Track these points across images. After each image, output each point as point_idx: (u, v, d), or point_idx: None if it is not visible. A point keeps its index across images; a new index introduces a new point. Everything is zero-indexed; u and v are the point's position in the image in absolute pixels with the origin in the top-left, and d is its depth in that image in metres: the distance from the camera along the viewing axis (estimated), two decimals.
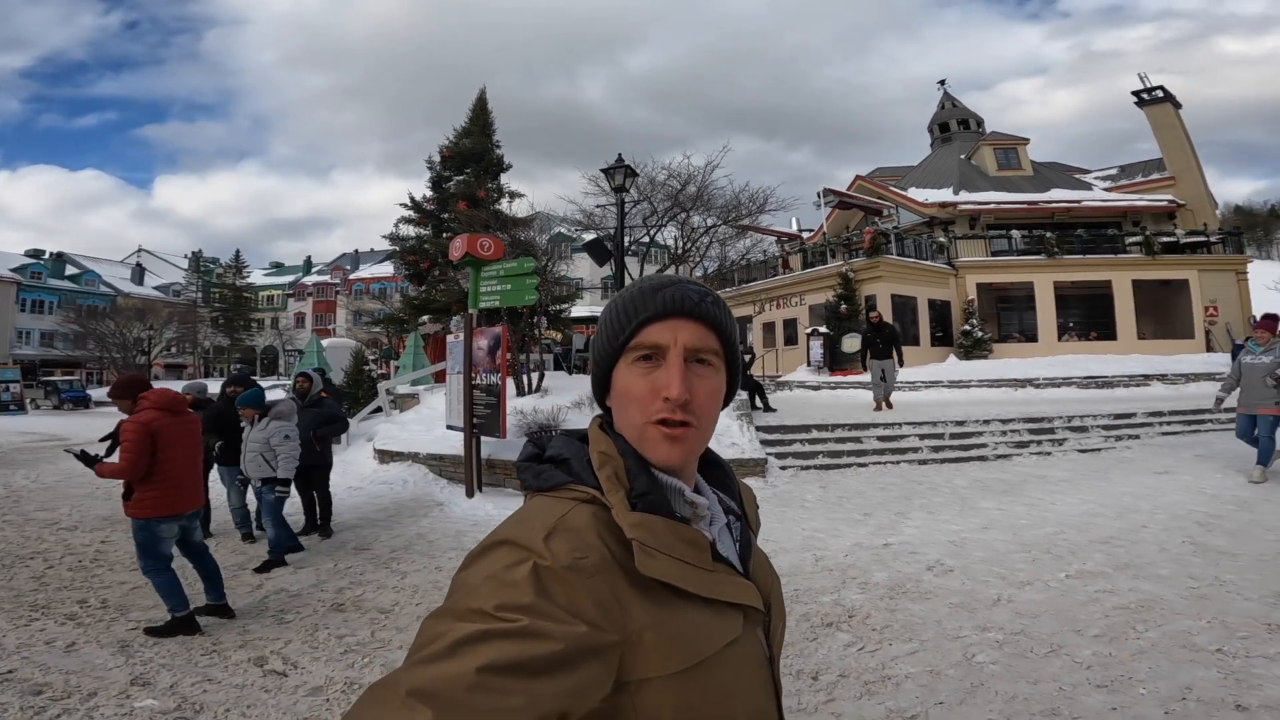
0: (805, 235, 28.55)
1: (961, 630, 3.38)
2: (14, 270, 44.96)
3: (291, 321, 57.82)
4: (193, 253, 59.77)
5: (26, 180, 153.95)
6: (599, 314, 0.61)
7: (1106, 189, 24.79)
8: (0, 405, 24.66)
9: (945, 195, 23.15)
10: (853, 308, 19.35)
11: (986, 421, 9.73)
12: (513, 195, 16.87)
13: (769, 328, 25.36)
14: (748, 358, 13.94)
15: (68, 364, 42.19)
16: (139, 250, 62.36)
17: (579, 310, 21.36)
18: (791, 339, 23.56)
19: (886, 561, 4.61)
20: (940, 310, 20.86)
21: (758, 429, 9.27)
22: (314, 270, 62.65)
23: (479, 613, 0.54)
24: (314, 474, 5.96)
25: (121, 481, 3.89)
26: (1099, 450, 8.91)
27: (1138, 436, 9.48)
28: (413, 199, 16.90)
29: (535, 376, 13.06)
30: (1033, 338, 20.66)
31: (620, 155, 9.61)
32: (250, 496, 5.72)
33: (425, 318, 15.50)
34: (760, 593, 0.74)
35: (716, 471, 0.82)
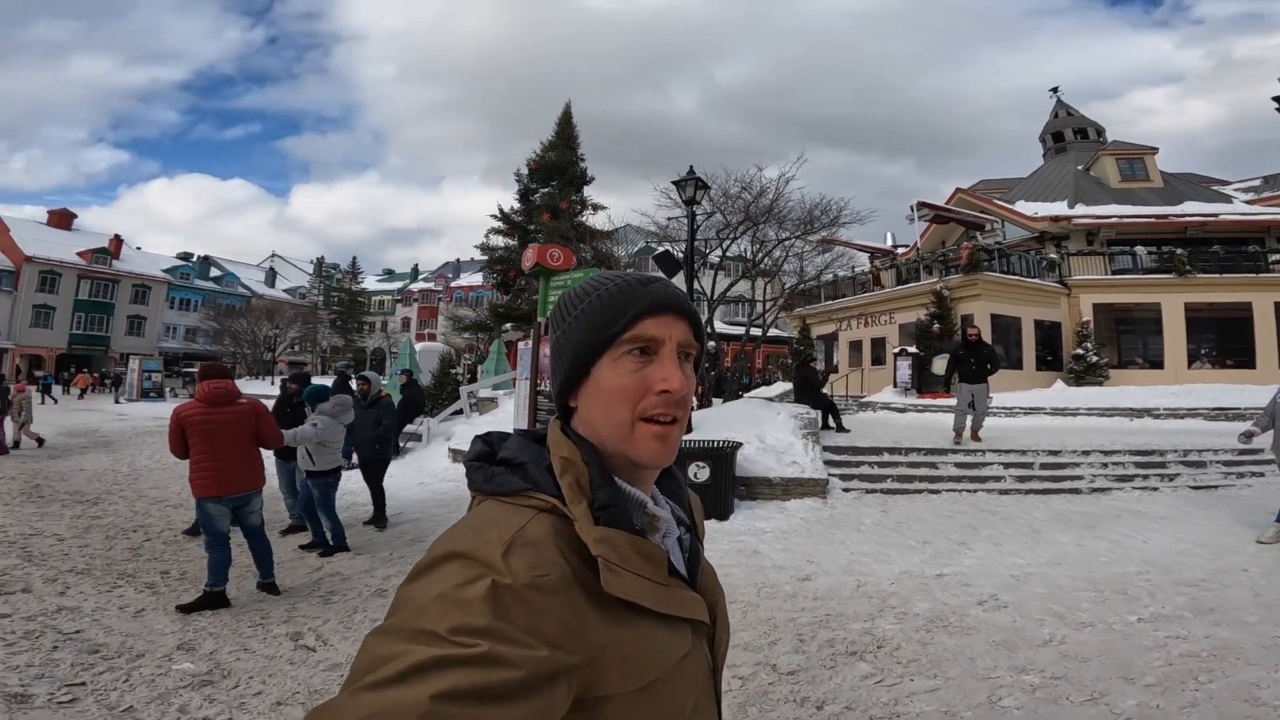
0: (900, 251, 27.33)
1: (995, 670, 3.07)
2: (166, 271, 50.97)
3: (398, 325, 61.89)
4: (316, 259, 65.43)
5: (183, 187, 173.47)
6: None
7: (1248, 201, 22.07)
8: (144, 392, 27.94)
9: (1058, 208, 21.42)
10: (946, 327, 18.31)
11: (1086, 452, 8.84)
12: (595, 207, 17.28)
13: (855, 346, 24.43)
14: (822, 374, 13.36)
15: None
16: (272, 255, 68.98)
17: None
18: (879, 359, 22.60)
19: (933, 592, 4.28)
20: (1048, 332, 19.28)
21: (825, 449, 8.93)
22: (420, 277, 66.80)
23: (431, 635, 0.50)
24: (370, 469, 6.31)
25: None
26: (1215, 488, 7.94)
27: (1263, 474, 8.30)
28: (501, 210, 17.73)
29: None
30: (1158, 364, 18.65)
31: (691, 168, 9.61)
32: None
33: (509, 325, 16.13)
34: (706, 605, 0.71)
35: (669, 481, 0.80)
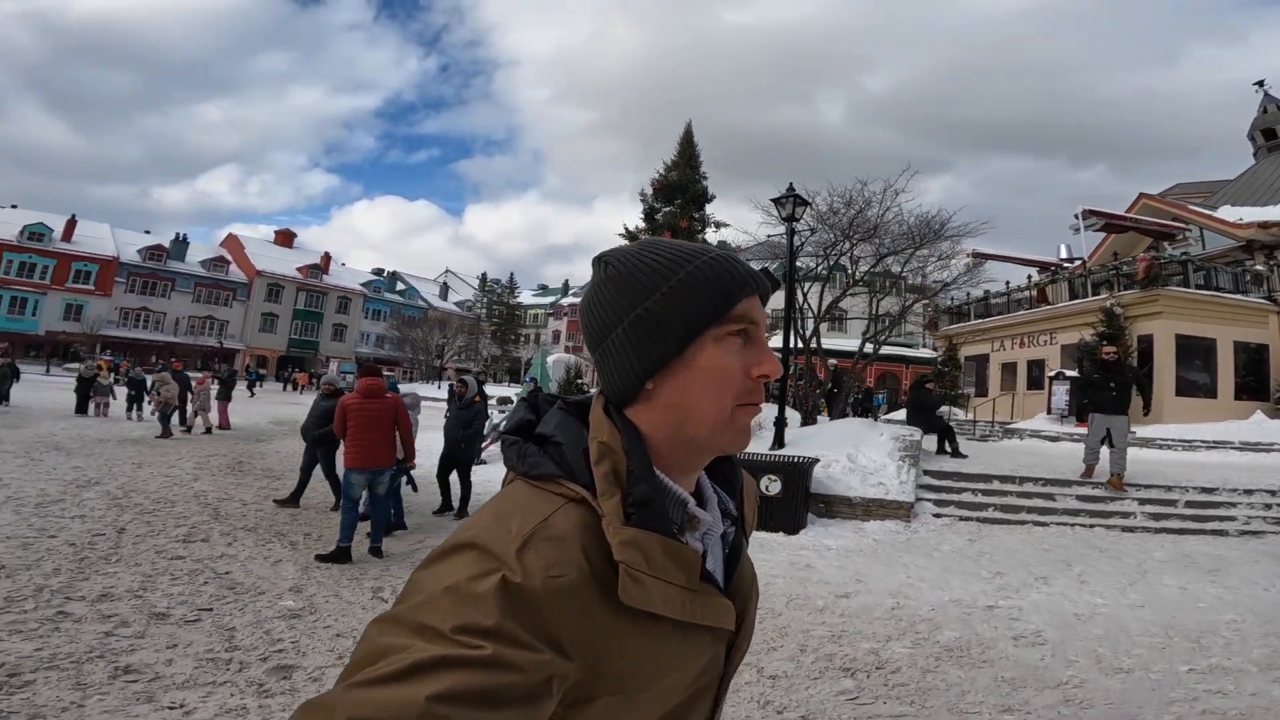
0: (1070, 265, 24.46)
1: (978, 706, 2.96)
2: (363, 285, 59.00)
3: (549, 338, 66.24)
4: (481, 275, 72.10)
5: (380, 208, 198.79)
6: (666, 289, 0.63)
7: None
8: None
9: (1270, 213, 18.07)
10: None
11: (1249, 491, 7.56)
12: (718, 225, 17.56)
13: (1008, 369, 22.27)
14: (938, 397, 12.45)
15: (390, 362, 53.97)
16: (445, 271, 77.12)
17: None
18: (1037, 382, 20.43)
19: (972, 622, 4.09)
20: (1253, 356, 16.30)
21: (927, 473, 8.49)
22: (570, 292, 71.01)
23: (435, 632, 0.48)
24: (459, 464, 7.09)
25: None
26: None
27: None
28: (626, 229, 18.60)
29: None
30: None
31: (791, 185, 9.60)
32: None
33: None
34: (736, 609, 0.67)
35: (724, 465, 0.74)
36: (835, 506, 7.23)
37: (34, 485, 7.03)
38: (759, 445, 8.97)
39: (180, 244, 48.77)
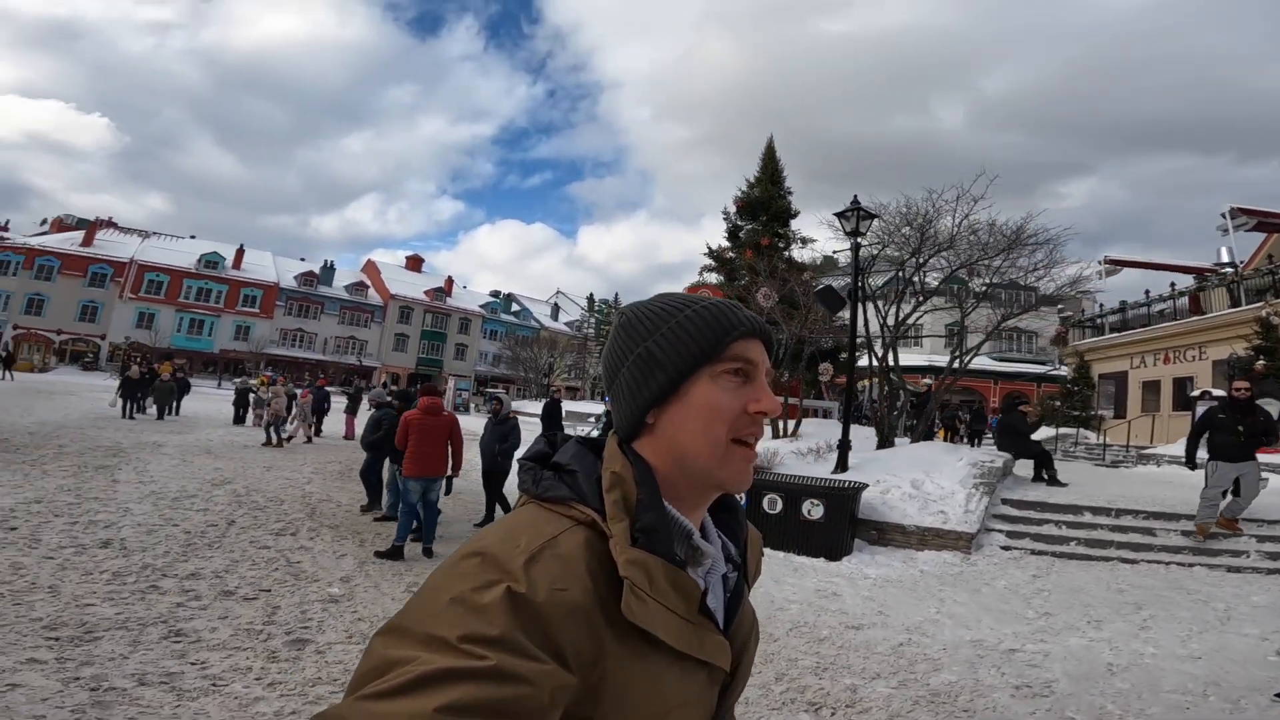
0: (1229, 270, 21.47)
1: None
2: (481, 306, 63.08)
3: None
4: (589, 295, 74.72)
5: (501, 232, 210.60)
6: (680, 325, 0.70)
7: None
8: (455, 406, 35.10)
9: None
10: (1253, 381, 14.16)
11: None
12: (804, 241, 17.21)
13: (1150, 387, 19.93)
14: (1034, 421, 11.39)
15: (504, 380, 57.16)
16: (557, 292, 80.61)
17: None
18: (1185, 403, 18.16)
19: (979, 667, 3.83)
20: None
21: (1006, 502, 7.89)
22: None
23: (442, 642, 0.48)
24: (493, 478, 7.39)
25: None
26: None
27: None
28: (709, 248, 18.70)
29: (793, 422, 13.22)
30: None
31: (855, 197, 9.32)
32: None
33: None
34: (733, 652, 0.69)
35: (727, 515, 0.77)
36: (888, 534, 6.92)
37: (177, 482, 8.33)
38: (821, 469, 8.75)
39: (328, 270, 54.83)
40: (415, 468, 5.91)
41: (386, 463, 7.48)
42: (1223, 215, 18.30)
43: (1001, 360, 40.51)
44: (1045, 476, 9.34)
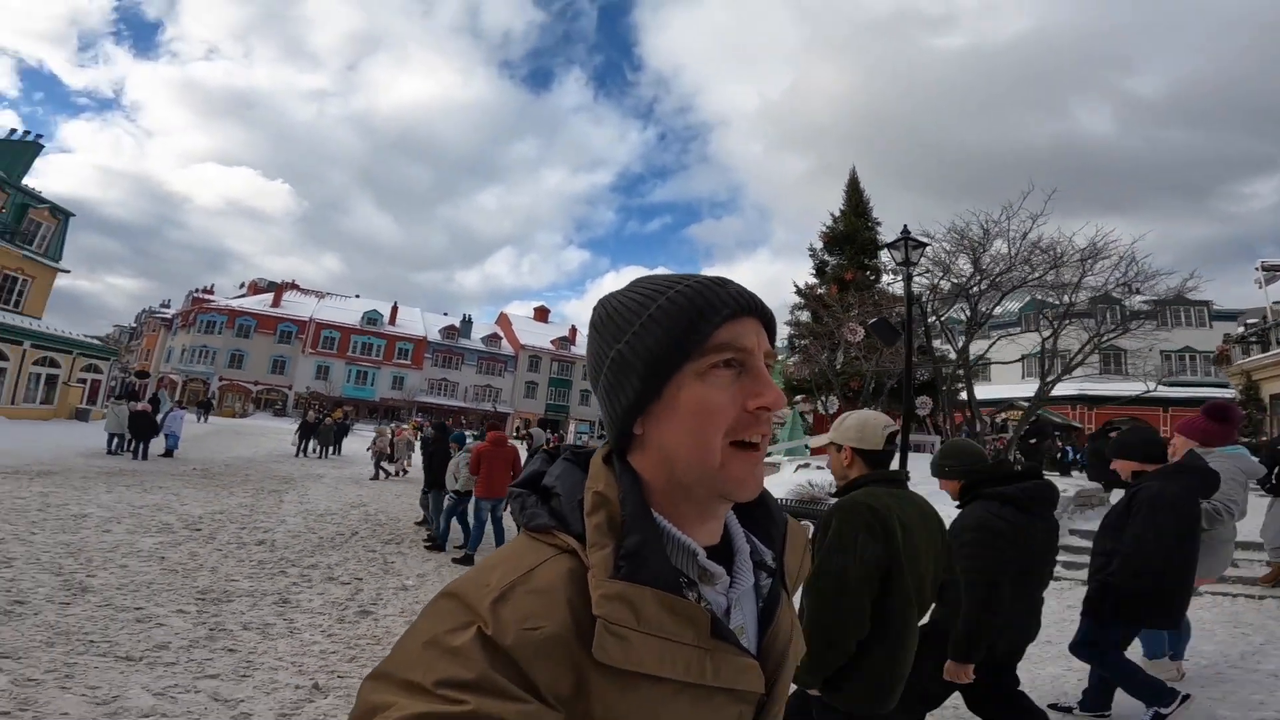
0: None
1: None
2: None
3: None
4: None
5: (625, 278, 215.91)
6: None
7: None
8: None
9: None
10: None
11: None
12: (894, 272, 17.04)
13: None
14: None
15: None
16: None
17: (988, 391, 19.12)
18: None
19: None
20: None
21: (1072, 532, 7.65)
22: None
23: (419, 689, 0.47)
24: None
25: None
26: None
27: None
28: (796, 286, 18.92)
29: None
30: None
31: (905, 227, 9.52)
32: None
33: (799, 396, 17.09)
34: (767, 671, 0.62)
35: (760, 511, 0.69)
36: None
37: (325, 503, 10.27)
38: None
39: (467, 324, 60.62)
40: (485, 490, 7.13)
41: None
42: (1256, 268, 16.04)
43: (1174, 385, 35.88)
44: None
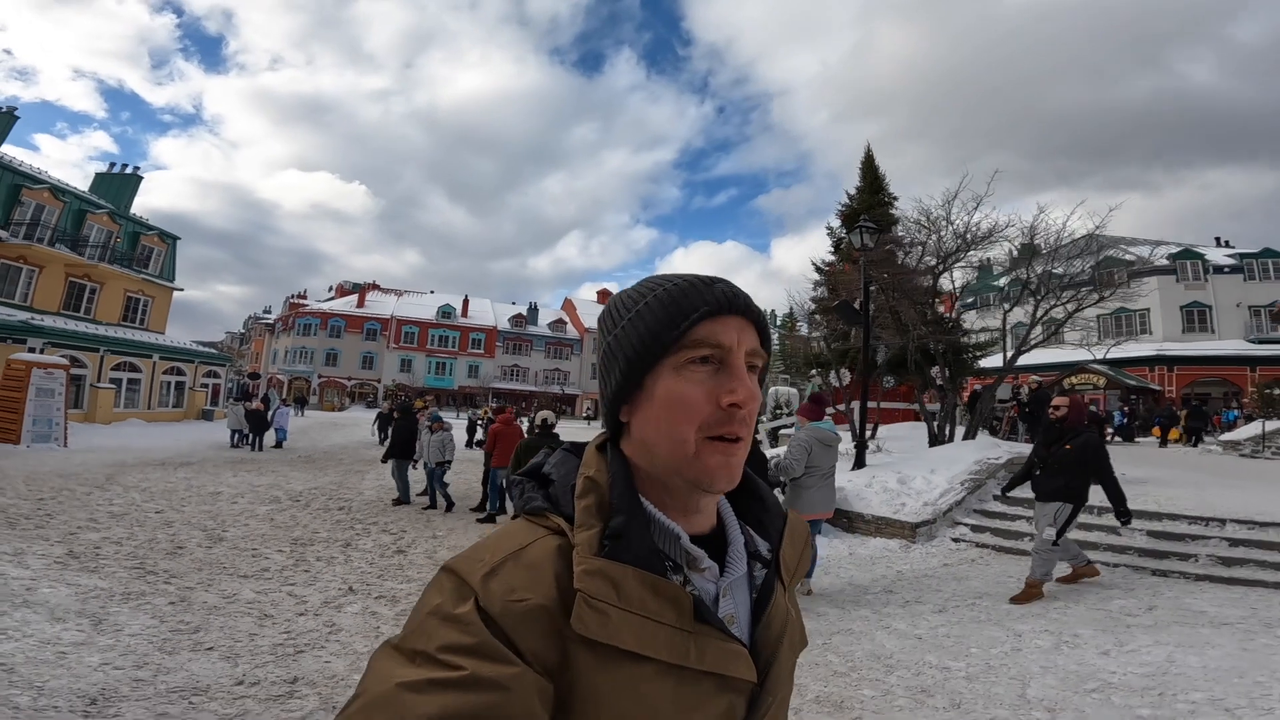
0: None
1: None
2: None
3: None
4: (770, 311, 75.75)
5: (694, 254, 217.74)
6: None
7: None
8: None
9: None
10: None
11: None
12: (907, 248, 17.62)
13: None
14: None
15: None
16: None
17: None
18: None
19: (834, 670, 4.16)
20: None
21: (997, 498, 8.62)
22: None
23: (421, 655, 0.51)
24: None
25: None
26: None
27: None
28: (813, 264, 19.65)
29: (870, 426, 14.22)
30: None
31: (863, 217, 10.54)
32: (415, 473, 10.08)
33: (815, 371, 18.07)
34: (759, 661, 0.65)
35: (755, 504, 0.73)
36: (855, 523, 8.30)
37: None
38: (843, 465, 10.17)
39: (533, 311, 63.77)
40: (500, 460, 9.02)
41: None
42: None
43: (1262, 343, 33.56)
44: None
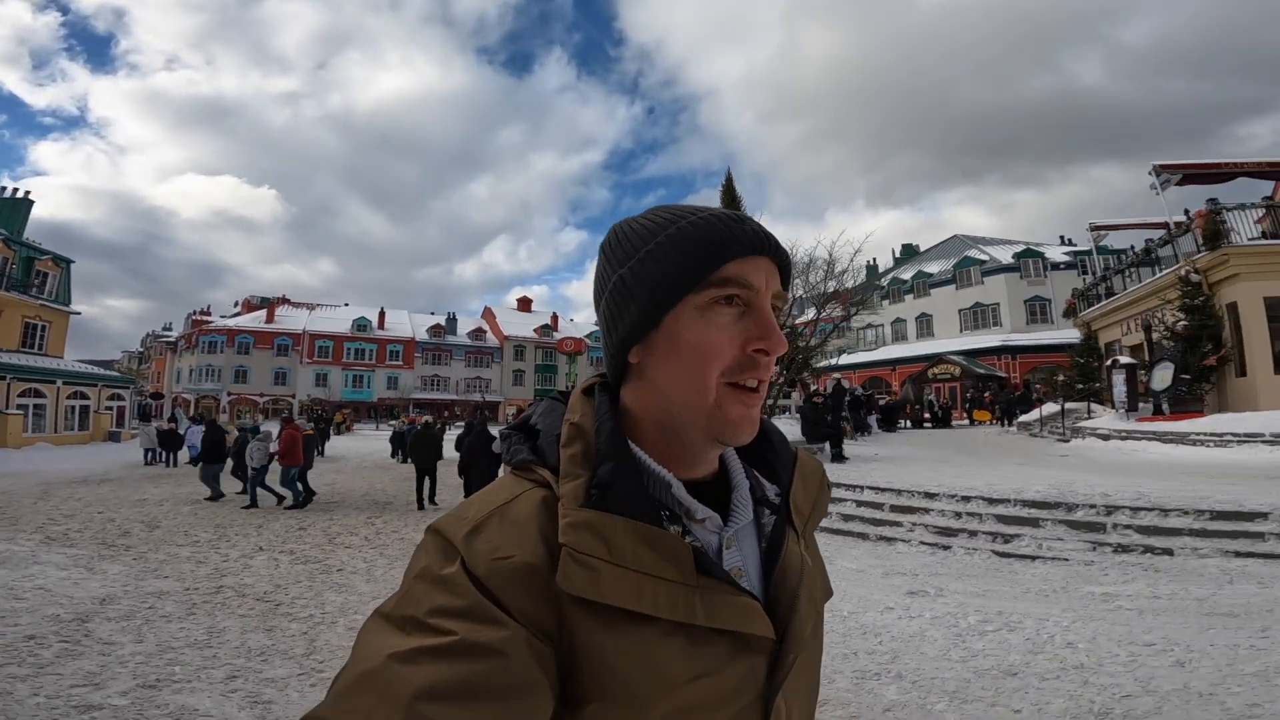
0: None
1: None
2: (586, 336, 69.78)
3: None
4: None
5: None
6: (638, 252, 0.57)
7: None
8: None
9: None
10: (1201, 323, 15.15)
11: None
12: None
13: (1138, 353, 20.69)
14: (817, 399, 13.77)
15: None
16: None
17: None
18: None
19: None
20: None
21: None
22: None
23: (410, 621, 0.49)
24: (471, 471, 12.31)
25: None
26: None
27: None
28: None
29: None
30: None
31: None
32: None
33: None
34: (777, 616, 0.59)
35: (765, 448, 0.68)
36: None
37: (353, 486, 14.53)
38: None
39: (451, 321, 64.74)
40: (291, 461, 11.10)
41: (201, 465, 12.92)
42: (1150, 172, 18.10)
43: (1027, 333, 38.65)
44: (832, 452, 11.76)
